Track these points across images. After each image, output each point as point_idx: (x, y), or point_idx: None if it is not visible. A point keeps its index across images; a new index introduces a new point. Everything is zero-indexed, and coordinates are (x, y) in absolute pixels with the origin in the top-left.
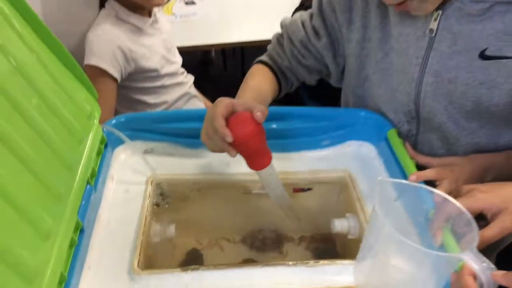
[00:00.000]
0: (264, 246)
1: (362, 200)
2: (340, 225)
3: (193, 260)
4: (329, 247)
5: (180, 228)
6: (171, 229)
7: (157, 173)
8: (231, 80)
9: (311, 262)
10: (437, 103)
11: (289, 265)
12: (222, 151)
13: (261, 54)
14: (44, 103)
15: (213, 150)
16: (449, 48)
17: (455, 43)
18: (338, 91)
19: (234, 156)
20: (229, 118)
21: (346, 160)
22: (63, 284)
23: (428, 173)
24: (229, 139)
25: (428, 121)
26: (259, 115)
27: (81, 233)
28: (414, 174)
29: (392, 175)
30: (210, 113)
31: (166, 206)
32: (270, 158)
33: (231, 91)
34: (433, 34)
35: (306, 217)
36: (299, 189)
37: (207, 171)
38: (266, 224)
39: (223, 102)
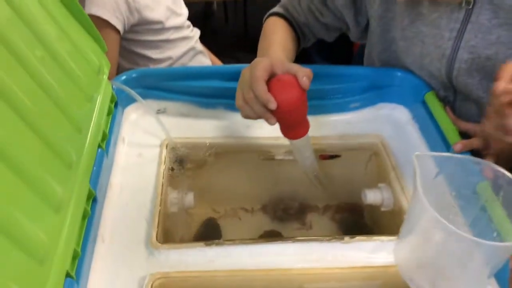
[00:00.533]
0: (286, 216)
1: (397, 169)
2: (372, 196)
3: (209, 231)
4: (357, 218)
5: (196, 196)
6: (190, 198)
7: (172, 136)
8: (233, 33)
9: (346, 237)
10: (471, 79)
11: (321, 240)
12: (259, 117)
13: (265, 6)
14: (49, 54)
15: (248, 117)
16: (488, 22)
17: (496, 15)
18: (351, 44)
19: (273, 124)
20: (270, 82)
21: (378, 124)
22: (77, 260)
23: (474, 142)
24: (273, 106)
25: (464, 93)
26: (305, 80)
27: (93, 203)
28: (459, 143)
29: (430, 142)
30: (247, 75)
31: (182, 172)
32: (308, 127)
33: (233, 44)
34: (471, 6)
35: (332, 186)
36: (325, 156)
37: (226, 134)
38: (288, 192)
39: (262, 64)
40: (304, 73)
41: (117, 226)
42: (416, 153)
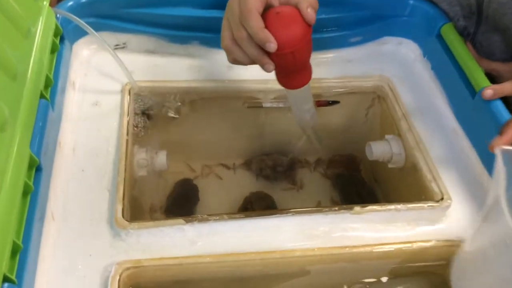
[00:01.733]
0: (273, 174)
1: (408, 117)
2: (380, 150)
3: (185, 195)
4: (354, 174)
5: (168, 154)
6: (161, 158)
7: (135, 79)
8: None
9: (356, 207)
10: None
11: (326, 212)
12: (251, 62)
13: None
14: None
15: (237, 61)
16: None
17: None
18: None
19: (271, 70)
20: (267, 15)
21: (382, 63)
22: (18, 255)
23: (507, 87)
24: (273, 46)
25: (492, 20)
26: (310, 12)
27: (37, 173)
28: (490, 88)
29: (446, 85)
30: (236, 8)
31: (150, 125)
32: (311, 74)
33: None
34: None
35: (327, 136)
36: (322, 103)
37: (203, 77)
38: (276, 146)
39: None
40: (308, 3)
41: (71, 201)
42: (503, 147)
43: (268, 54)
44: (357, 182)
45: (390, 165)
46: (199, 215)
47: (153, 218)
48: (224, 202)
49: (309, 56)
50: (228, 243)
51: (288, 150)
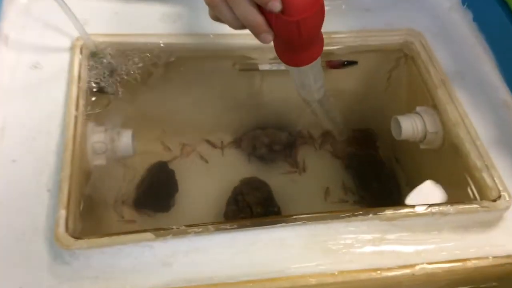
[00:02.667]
0: (269, 154)
1: (447, 83)
2: (410, 127)
3: (160, 182)
4: (370, 153)
5: (136, 129)
6: (126, 140)
7: (90, 32)
8: None
9: (388, 210)
10: None
11: (348, 218)
12: (241, 27)
13: None
14: None
15: (223, 20)
16: None
17: None
18: None
19: (269, 41)
20: None
21: (409, 11)
22: None
23: None
24: (278, 5)
25: None
26: None
27: None
28: None
29: (494, 44)
30: None
31: (110, 94)
32: (323, 45)
33: None
34: None
35: (337, 106)
36: (335, 63)
37: (180, 29)
38: (273, 118)
39: None
40: None
41: None
42: None
43: (266, 19)
44: (375, 164)
45: (422, 146)
46: (174, 227)
47: (118, 215)
48: (209, 191)
49: (320, 27)
50: (215, 265)
51: (287, 124)
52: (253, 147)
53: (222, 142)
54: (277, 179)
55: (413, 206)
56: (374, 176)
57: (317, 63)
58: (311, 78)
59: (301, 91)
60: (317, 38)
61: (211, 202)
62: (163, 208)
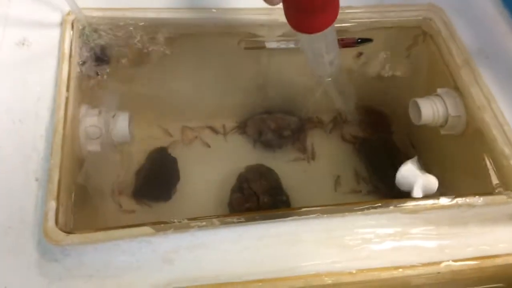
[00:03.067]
0: (276, 139)
1: (471, 63)
2: (430, 110)
3: (160, 170)
4: (384, 137)
5: (133, 112)
6: (122, 123)
7: (82, 6)
8: None
9: (409, 202)
10: None
11: (363, 210)
12: None
13: None
14: None
15: None
16: None
17: None
18: None
19: (277, 2)
20: None
21: None
22: None
23: None
24: None
25: None
26: None
27: None
28: None
29: None
30: None
31: (104, 74)
32: (338, 9)
33: None
34: None
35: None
36: (349, 41)
37: (181, 3)
38: (280, 102)
39: None
40: None
41: None
42: None
43: None
44: (389, 150)
45: (443, 131)
46: (175, 220)
47: (116, 205)
48: (212, 179)
49: None
50: (221, 262)
51: (296, 107)
52: (259, 132)
53: (224, 126)
54: (284, 167)
55: (437, 198)
56: (389, 164)
57: (331, 32)
58: (323, 49)
59: (312, 64)
60: (331, 2)
61: (215, 190)
62: (164, 198)
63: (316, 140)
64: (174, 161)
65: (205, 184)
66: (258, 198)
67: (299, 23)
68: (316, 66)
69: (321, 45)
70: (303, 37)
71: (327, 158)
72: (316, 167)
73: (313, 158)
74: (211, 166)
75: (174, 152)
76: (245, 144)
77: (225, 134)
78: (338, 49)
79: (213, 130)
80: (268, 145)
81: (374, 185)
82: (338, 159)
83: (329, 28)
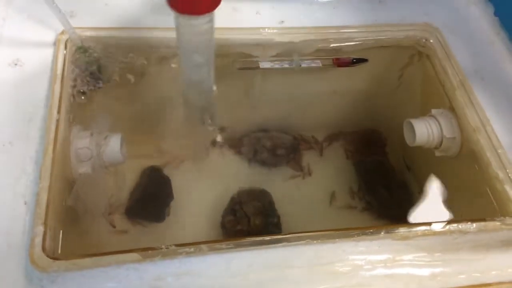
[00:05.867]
0: (272, 158)
1: (466, 84)
2: (424, 131)
3: (154, 191)
4: (378, 159)
5: (126, 131)
6: (114, 145)
7: (75, 25)
8: None
9: (402, 229)
10: None
11: (354, 236)
12: None
13: None
14: None
15: None
16: None
17: None
18: None
19: None
20: None
21: (425, 5)
22: None
23: None
24: None
25: None
26: None
27: None
28: None
29: None
30: None
31: (97, 94)
32: None
33: None
34: None
35: (343, 106)
36: (344, 61)
37: (173, 22)
38: (276, 120)
39: None
40: None
41: None
42: None
43: None
44: (384, 170)
45: (438, 153)
46: (162, 246)
47: (109, 223)
48: (206, 199)
49: None
50: None
51: (291, 125)
52: (254, 151)
53: (221, 145)
54: (279, 185)
55: (429, 224)
56: (383, 184)
57: (209, 27)
58: (196, 44)
59: (183, 64)
60: None
61: (208, 210)
62: (158, 218)
63: (312, 158)
64: (168, 181)
65: (199, 203)
66: (249, 221)
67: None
68: (185, 70)
69: (196, 37)
70: (180, 23)
71: (322, 175)
72: (311, 185)
73: (309, 174)
74: (205, 185)
75: (168, 171)
76: (240, 162)
77: (220, 153)
78: (212, 56)
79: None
80: (263, 164)
81: (367, 201)
82: (334, 176)
83: (206, 20)
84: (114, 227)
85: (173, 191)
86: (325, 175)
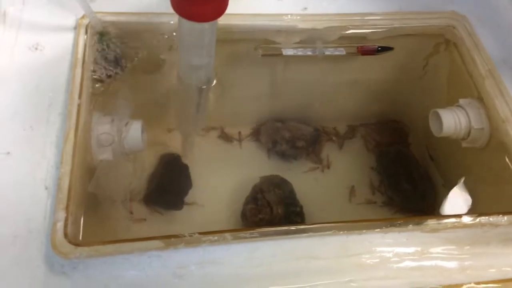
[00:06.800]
0: (291, 150)
1: (495, 74)
2: (451, 122)
3: (172, 178)
4: (401, 149)
5: (146, 119)
6: (135, 132)
7: (97, 10)
8: None
9: (431, 221)
10: None
11: (382, 227)
12: None
13: None
14: None
15: None
16: None
17: None
18: None
19: None
20: None
21: None
22: None
23: None
24: None
25: None
26: None
27: None
28: None
29: None
30: None
31: (118, 80)
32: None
33: None
34: None
35: (365, 96)
36: (368, 49)
37: None
38: (296, 110)
39: None
40: None
41: None
42: None
43: None
44: (407, 161)
45: (465, 144)
46: (186, 234)
47: (127, 211)
48: (225, 188)
49: None
50: (232, 279)
51: (309, 115)
52: (273, 142)
53: (239, 133)
54: (299, 177)
55: (459, 216)
56: (406, 176)
57: (211, 29)
58: (200, 51)
59: (184, 68)
60: None
61: (227, 199)
62: (175, 206)
63: (331, 150)
64: (186, 168)
65: (217, 192)
66: (272, 209)
67: (188, 7)
68: (187, 70)
69: (204, 39)
70: (182, 24)
71: (342, 168)
72: (331, 177)
73: (328, 167)
74: (223, 174)
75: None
76: (259, 153)
77: (240, 141)
78: (213, 59)
79: (224, 136)
80: (282, 156)
81: (389, 196)
82: (353, 169)
83: (211, 29)
84: (132, 214)
85: (191, 178)
86: (345, 168)
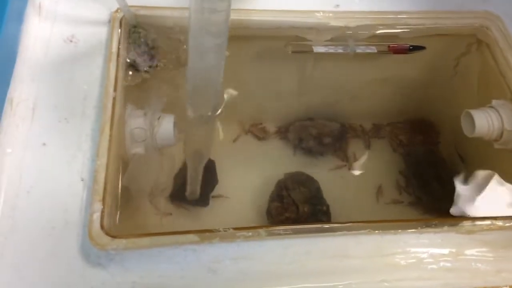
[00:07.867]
0: (318, 147)
1: None
2: (484, 122)
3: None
4: (430, 148)
5: (176, 114)
6: (167, 126)
7: (131, 4)
8: None
9: (466, 223)
10: None
11: (417, 227)
12: None
13: None
14: None
15: None
16: None
17: None
18: None
19: None
20: None
21: None
22: None
23: None
24: None
25: None
26: None
27: None
28: None
29: None
30: None
31: (151, 74)
32: None
33: None
34: None
35: (395, 93)
36: (401, 48)
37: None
38: (323, 108)
39: None
40: None
41: (21, 195)
42: None
43: None
44: (435, 161)
45: (497, 145)
46: (220, 229)
47: (154, 206)
48: (250, 185)
49: None
50: (265, 275)
51: (337, 113)
52: (299, 138)
53: (266, 131)
54: (325, 175)
55: (495, 218)
56: (434, 176)
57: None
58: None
59: (192, 60)
60: None
61: (253, 196)
62: (202, 202)
63: (358, 148)
64: (213, 164)
65: (243, 188)
66: (298, 208)
67: None
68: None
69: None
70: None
71: (369, 167)
72: (357, 176)
73: (354, 166)
74: (250, 171)
75: (213, 155)
76: (285, 149)
77: (266, 138)
78: (221, 80)
79: (252, 133)
80: (309, 152)
81: (417, 196)
82: (380, 168)
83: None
84: (158, 209)
85: (217, 174)
86: (371, 166)
